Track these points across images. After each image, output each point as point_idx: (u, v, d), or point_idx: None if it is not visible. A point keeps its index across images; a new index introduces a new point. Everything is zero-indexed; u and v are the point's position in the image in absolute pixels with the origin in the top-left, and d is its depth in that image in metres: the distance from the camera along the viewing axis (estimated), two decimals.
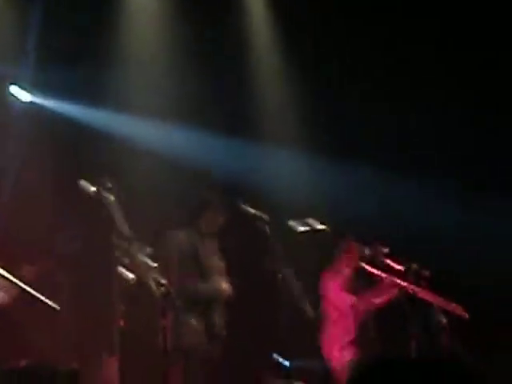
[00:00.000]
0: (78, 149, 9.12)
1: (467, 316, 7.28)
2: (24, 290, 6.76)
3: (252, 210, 7.20)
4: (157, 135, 9.14)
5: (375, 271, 7.66)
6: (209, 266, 7.59)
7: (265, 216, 7.12)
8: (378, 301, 7.73)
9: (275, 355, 7.11)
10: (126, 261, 6.26)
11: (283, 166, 9.47)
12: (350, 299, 7.74)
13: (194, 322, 7.14)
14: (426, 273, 7.38)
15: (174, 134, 9.20)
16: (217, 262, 7.65)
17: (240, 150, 9.28)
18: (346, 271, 7.89)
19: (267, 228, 7.06)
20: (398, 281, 7.51)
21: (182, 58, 9.29)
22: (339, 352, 7.71)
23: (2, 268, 6.65)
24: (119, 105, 9.09)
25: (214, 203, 7.64)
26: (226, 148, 9.29)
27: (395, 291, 7.58)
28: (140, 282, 6.26)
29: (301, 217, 7.80)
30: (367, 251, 7.69)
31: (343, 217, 8.14)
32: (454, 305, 7.34)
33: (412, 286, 7.41)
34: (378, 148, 9.05)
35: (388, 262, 7.58)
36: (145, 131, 9.11)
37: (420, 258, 7.48)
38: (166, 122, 9.14)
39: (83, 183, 6.34)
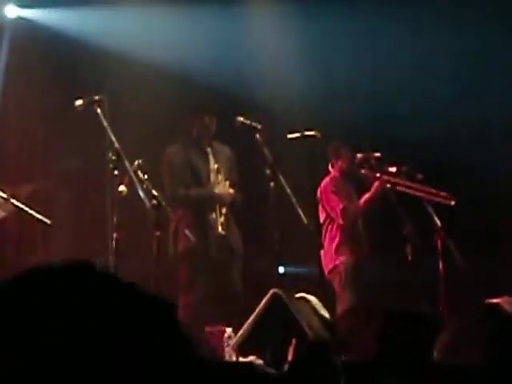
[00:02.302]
0: (70, 64, 9.00)
1: (453, 202, 7.30)
2: (18, 207, 6.78)
3: (244, 120, 7.15)
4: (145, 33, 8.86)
5: (366, 173, 7.64)
6: (206, 172, 7.53)
7: (256, 124, 7.08)
8: (362, 200, 7.74)
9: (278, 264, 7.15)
10: (117, 173, 6.25)
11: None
12: (340, 202, 7.73)
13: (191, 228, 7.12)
14: (419, 175, 7.37)
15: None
16: (215, 168, 7.54)
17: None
18: (337, 175, 7.87)
19: (259, 136, 7.03)
20: (377, 174, 7.52)
21: None
22: (332, 256, 7.74)
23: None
24: None
25: (203, 109, 7.57)
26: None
27: (376, 185, 7.57)
28: (132, 194, 6.27)
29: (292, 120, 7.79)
30: (359, 155, 7.66)
31: (334, 122, 8.09)
32: (441, 193, 7.35)
33: (391, 179, 7.43)
34: None
35: (379, 164, 7.56)
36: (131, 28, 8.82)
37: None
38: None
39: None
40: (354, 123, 8.46)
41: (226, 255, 7.40)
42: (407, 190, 7.39)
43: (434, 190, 7.34)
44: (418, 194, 7.34)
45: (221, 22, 8.91)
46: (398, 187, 7.42)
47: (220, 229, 7.36)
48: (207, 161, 7.57)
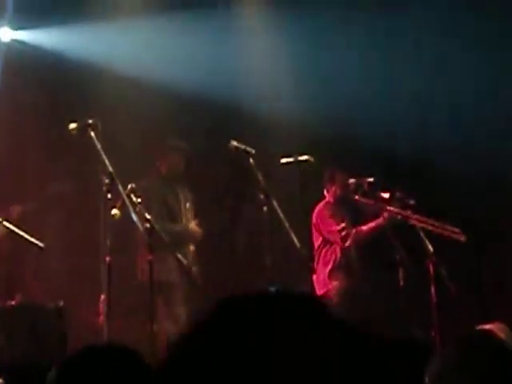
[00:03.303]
0: (63, 86, 9.00)
1: (463, 238, 7.28)
2: (10, 229, 6.76)
3: (238, 145, 7.15)
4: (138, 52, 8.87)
5: (360, 199, 7.65)
6: (178, 210, 7.71)
7: (250, 149, 7.08)
8: (365, 228, 7.73)
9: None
10: (110, 196, 6.24)
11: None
12: (336, 227, 7.74)
13: (170, 259, 7.15)
14: (411, 201, 7.37)
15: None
16: (184, 205, 7.76)
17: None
18: (331, 200, 7.88)
19: (252, 161, 7.03)
20: (388, 207, 7.52)
21: None
22: (325, 280, 7.74)
23: None
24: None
25: (172, 147, 7.74)
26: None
27: (382, 218, 7.57)
28: (124, 218, 6.26)
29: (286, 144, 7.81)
30: (352, 180, 7.68)
31: (328, 146, 8.10)
32: (450, 228, 7.33)
33: (402, 211, 7.42)
34: None
35: (372, 190, 7.57)
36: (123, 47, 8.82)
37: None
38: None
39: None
40: (346, 146, 8.47)
41: (196, 286, 7.59)
42: (417, 223, 7.32)
43: (444, 225, 7.31)
44: (426, 227, 7.28)
45: (215, 43, 8.93)
46: (408, 220, 7.36)
47: (192, 263, 7.58)
48: (179, 199, 7.78)
